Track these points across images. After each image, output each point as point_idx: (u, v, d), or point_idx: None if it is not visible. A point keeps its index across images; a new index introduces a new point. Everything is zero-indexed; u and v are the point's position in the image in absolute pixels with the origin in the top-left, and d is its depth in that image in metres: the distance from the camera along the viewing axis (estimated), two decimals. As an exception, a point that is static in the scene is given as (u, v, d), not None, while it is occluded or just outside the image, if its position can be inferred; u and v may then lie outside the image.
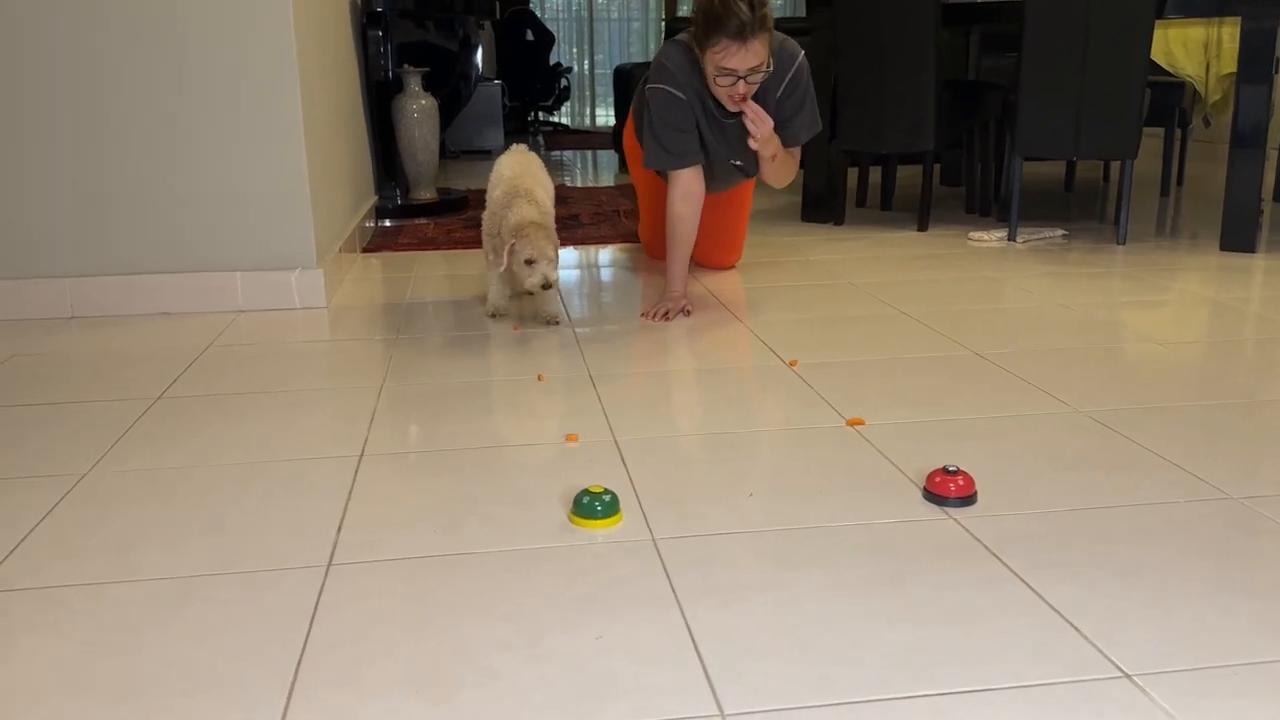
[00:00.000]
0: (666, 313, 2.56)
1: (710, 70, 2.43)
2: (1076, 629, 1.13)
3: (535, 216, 2.39)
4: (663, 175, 2.81)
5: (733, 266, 3.17)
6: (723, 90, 2.45)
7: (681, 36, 2.56)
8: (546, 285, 2.37)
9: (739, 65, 2.38)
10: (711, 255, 3.12)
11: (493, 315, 2.58)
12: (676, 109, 2.56)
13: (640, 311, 2.61)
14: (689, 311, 2.59)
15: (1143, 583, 1.23)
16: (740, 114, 2.54)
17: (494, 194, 2.53)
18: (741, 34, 2.33)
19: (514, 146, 2.76)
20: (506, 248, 2.36)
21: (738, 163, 2.74)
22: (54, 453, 1.72)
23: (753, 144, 2.55)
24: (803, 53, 2.61)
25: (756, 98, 2.53)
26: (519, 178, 2.53)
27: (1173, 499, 1.47)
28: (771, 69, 2.47)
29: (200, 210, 2.66)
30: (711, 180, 2.75)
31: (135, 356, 2.28)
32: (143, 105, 2.58)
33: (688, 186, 2.62)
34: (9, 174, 2.58)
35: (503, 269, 2.40)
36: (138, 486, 1.57)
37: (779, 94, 2.60)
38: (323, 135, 2.95)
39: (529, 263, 2.35)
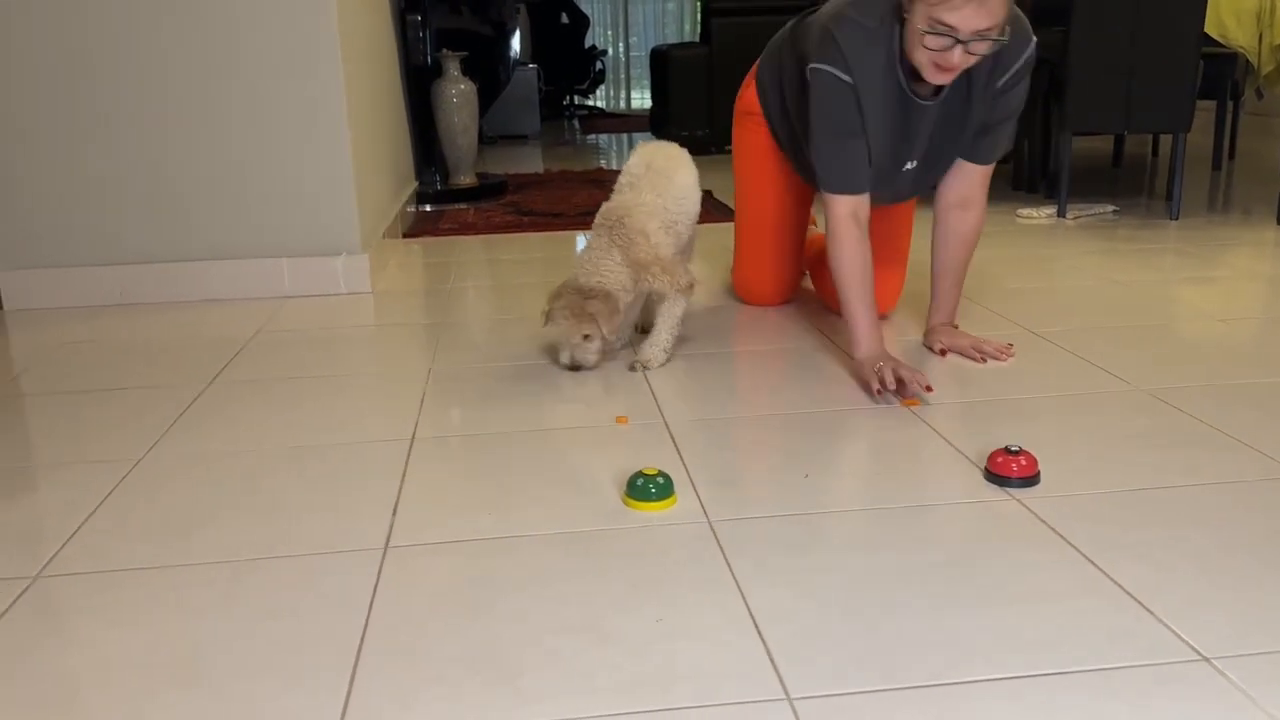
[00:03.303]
0: (897, 381, 1.76)
1: (919, 23, 1.71)
2: (1150, 611, 1.10)
3: (590, 279, 1.93)
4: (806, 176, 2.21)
5: (886, 315, 2.33)
6: (927, 54, 1.74)
7: None
8: (572, 367, 1.97)
9: (962, 23, 1.66)
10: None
11: (635, 360, 2.03)
12: (841, 104, 1.87)
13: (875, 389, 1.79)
14: (925, 383, 1.76)
15: (1215, 564, 1.20)
16: (943, 88, 1.86)
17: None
18: None
19: (645, 146, 2.17)
20: (543, 317, 1.96)
21: (910, 165, 1.99)
22: (109, 438, 1.73)
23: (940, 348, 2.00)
24: (1035, 38, 1.89)
25: (966, 79, 1.86)
26: (626, 190, 2.03)
27: (1243, 478, 1.43)
28: (1006, 39, 1.73)
29: (247, 198, 2.67)
30: (874, 189, 1.98)
31: (186, 342, 2.30)
32: (188, 97, 2.59)
33: (857, 203, 1.92)
34: (59, 165, 2.60)
35: (545, 325, 1.98)
36: (193, 471, 1.58)
37: (1000, 83, 1.89)
38: (365, 121, 2.95)
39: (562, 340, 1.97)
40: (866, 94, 1.85)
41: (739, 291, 2.50)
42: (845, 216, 1.89)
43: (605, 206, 2.01)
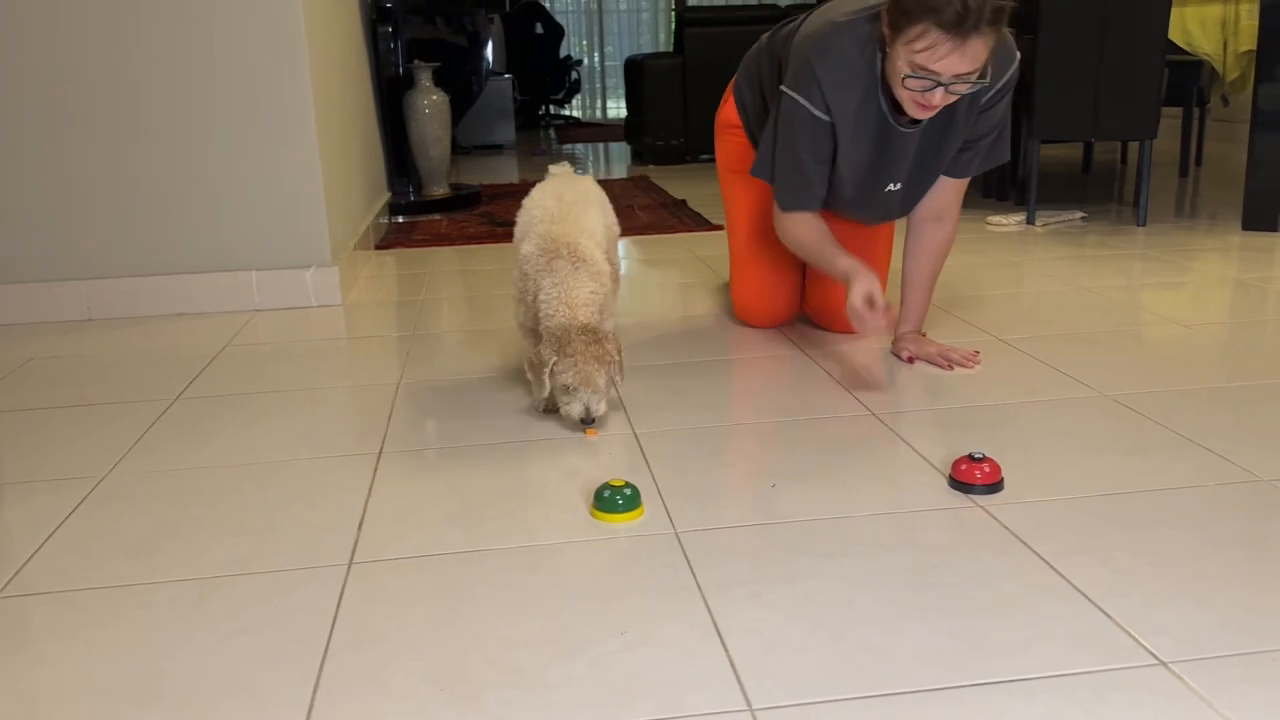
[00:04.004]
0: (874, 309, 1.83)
1: (900, 64, 1.72)
2: (1110, 617, 1.11)
3: (585, 311, 1.74)
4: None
5: None
6: (908, 94, 1.76)
7: (860, 10, 1.85)
8: (588, 420, 1.72)
9: (945, 69, 1.68)
10: (837, 312, 2.18)
11: (546, 410, 1.83)
12: (810, 135, 1.90)
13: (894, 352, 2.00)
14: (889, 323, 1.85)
15: (1175, 568, 1.21)
16: (919, 122, 1.87)
17: (524, 247, 1.85)
18: (960, 26, 1.62)
19: (553, 168, 2.06)
20: (547, 369, 1.70)
21: (894, 186, 2.00)
22: (74, 455, 1.71)
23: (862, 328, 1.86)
24: (1019, 55, 1.90)
25: (950, 103, 1.82)
26: (556, 222, 1.84)
27: (1202, 482, 1.45)
28: (986, 80, 1.76)
29: (215, 210, 2.65)
30: (859, 209, 2.04)
31: (153, 357, 2.28)
32: (155, 109, 2.58)
33: (805, 216, 1.99)
34: (24, 179, 2.58)
35: (545, 394, 1.73)
36: (158, 488, 1.57)
37: (982, 103, 1.90)
38: (335, 133, 2.94)
39: (568, 388, 1.70)
40: (843, 127, 1.88)
41: (739, 313, 2.39)
42: (794, 224, 2.00)
43: (545, 233, 1.82)
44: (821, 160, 1.92)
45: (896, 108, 1.85)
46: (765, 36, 2.18)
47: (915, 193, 2.03)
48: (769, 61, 2.12)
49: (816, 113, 1.87)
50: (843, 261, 1.90)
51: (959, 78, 1.70)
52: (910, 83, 1.72)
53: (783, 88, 1.91)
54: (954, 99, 1.77)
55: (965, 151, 1.98)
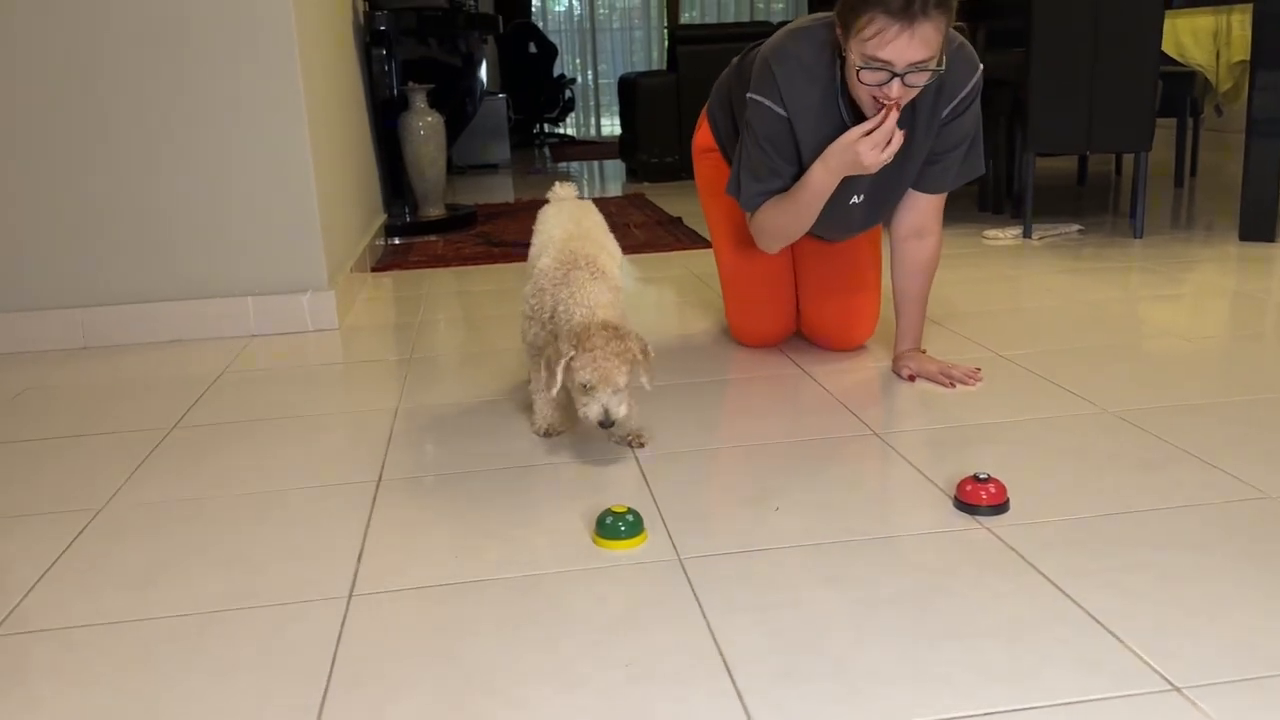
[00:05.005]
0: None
1: (854, 58, 1.72)
2: (1121, 640, 1.10)
3: (606, 311, 1.67)
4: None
5: (863, 344, 2.29)
6: (865, 90, 1.75)
7: (818, 19, 1.89)
8: (607, 423, 1.62)
9: (897, 57, 1.67)
10: (831, 329, 2.26)
11: (546, 434, 1.82)
12: (772, 131, 1.90)
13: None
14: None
15: (1186, 589, 1.20)
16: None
17: (541, 261, 1.83)
18: (907, 11, 1.63)
19: (559, 188, 2.08)
20: (562, 362, 1.61)
21: (857, 199, 1.99)
22: (70, 487, 1.70)
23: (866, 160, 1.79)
24: (981, 65, 1.91)
25: (910, 111, 1.85)
26: (575, 239, 1.82)
27: (1211, 500, 1.44)
28: (943, 69, 1.75)
29: (210, 236, 2.64)
30: (822, 223, 1.99)
31: (149, 386, 2.27)
32: (150, 134, 2.57)
33: (764, 206, 2.01)
34: (19, 206, 2.57)
35: (556, 390, 1.65)
36: (155, 520, 1.55)
37: (945, 113, 1.90)
38: (330, 156, 2.93)
39: (586, 387, 1.61)
40: (802, 127, 1.89)
41: (734, 334, 2.37)
42: (758, 216, 2.01)
43: (565, 247, 1.80)
44: (787, 159, 1.92)
45: (858, 114, 1.85)
46: (736, 59, 2.20)
47: (878, 207, 2.02)
48: (738, 81, 2.12)
49: (776, 109, 1.88)
50: (816, 178, 1.86)
51: (913, 66, 1.69)
52: (865, 75, 1.72)
53: (747, 94, 1.93)
54: (913, 93, 1.75)
55: (935, 165, 1.97)
